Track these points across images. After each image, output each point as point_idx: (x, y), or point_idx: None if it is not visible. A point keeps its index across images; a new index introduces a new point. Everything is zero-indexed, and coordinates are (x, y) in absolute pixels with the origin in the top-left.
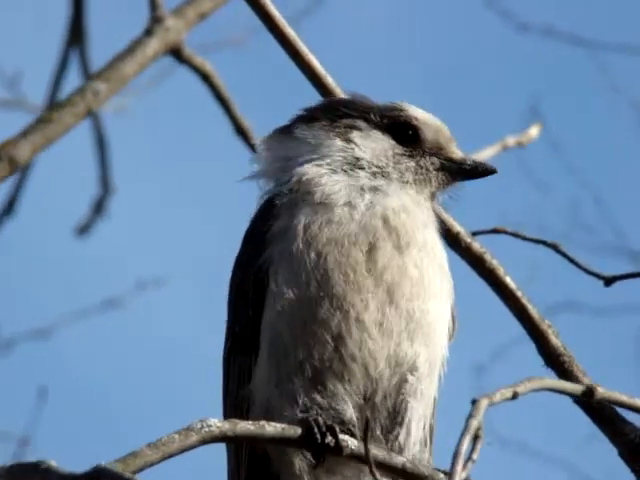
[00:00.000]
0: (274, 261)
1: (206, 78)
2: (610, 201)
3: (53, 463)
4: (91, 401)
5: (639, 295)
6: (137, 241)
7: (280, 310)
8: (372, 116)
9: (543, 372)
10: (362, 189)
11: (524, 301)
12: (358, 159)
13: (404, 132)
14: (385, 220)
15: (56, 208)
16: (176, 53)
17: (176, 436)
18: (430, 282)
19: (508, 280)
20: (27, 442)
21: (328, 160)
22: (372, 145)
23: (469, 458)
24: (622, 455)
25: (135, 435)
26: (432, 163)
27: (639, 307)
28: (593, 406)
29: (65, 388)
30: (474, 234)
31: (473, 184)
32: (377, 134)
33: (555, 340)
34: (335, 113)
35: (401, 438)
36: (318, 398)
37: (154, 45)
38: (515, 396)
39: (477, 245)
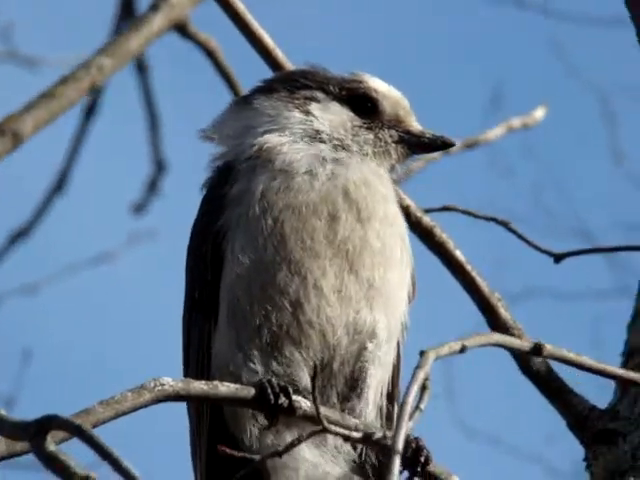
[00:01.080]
0: (232, 225)
1: (211, 54)
2: (570, 186)
3: (2, 412)
4: (74, 361)
5: (595, 279)
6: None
7: (238, 275)
8: (331, 87)
9: None
10: (324, 159)
11: (474, 274)
12: (318, 131)
13: (363, 104)
14: (346, 192)
15: None
16: (181, 29)
17: (129, 394)
18: (391, 252)
19: (458, 254)
20: (12, 402)
21: (287, 132)
22: (330, 117)
23: (416, 407)
24: (571, 426)
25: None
26: (391, 136)
27: (596, 291)
28: (542, 378)
29: (48, 347)
30: (426, 211)
31: (436, 168)
32: (336, 106)
33: (505, 313)
34: (293, 84)
35: (357, 406)
36: (274, 365)
37: (159, 21)
38: (463, 349)
39: (427, 219)
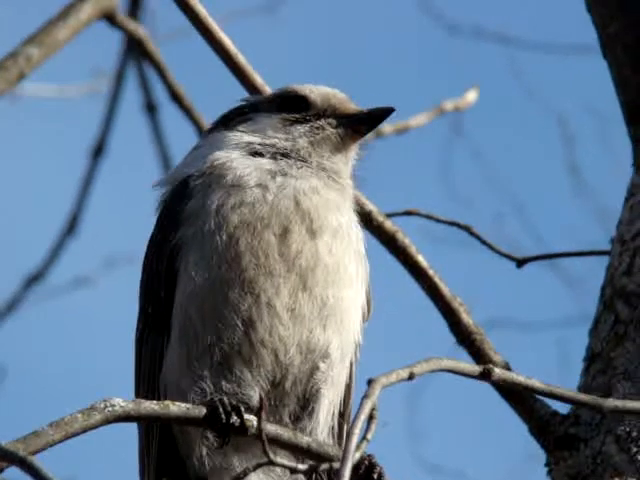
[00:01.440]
0: (186, 243)
1: (139, 44)
2: (531, 210)
3: None
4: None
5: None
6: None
7: (191, 292)
8: (262, 105)
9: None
10: (271, 171)
11: (436, 279)
12: (249, 143)
13: (293, 104)
14: (297, 203)
15: None
16: (109, 18)
17: (79, 415)
18: (345, 270)
19: (420, 258)
20: None
21: (230, 150)
22: (259, 127)
23: (363, 438)
24: (532, 432)
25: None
26: (329, 123)
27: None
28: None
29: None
30: (388, 216)
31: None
32: (265, 116)
33: (466, 318)
34: (229, 117)
35: (309, 426)
36: (224, 384)
37: (87, 10)
38: (412, 377)
39: (389, 224)
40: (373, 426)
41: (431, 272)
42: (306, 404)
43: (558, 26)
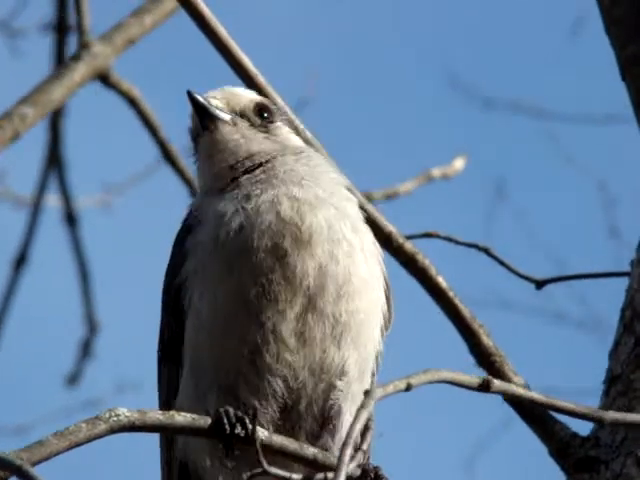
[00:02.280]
0: (190, 277)
1: (133, 103)
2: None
3: None
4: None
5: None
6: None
7: (196, 326)
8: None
9: (475, 371)
10: (242, 197)
11: (456, 301)
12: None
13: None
14: (278, 214)
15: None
16: (103, 78)
17: (83, 425)
18: (356, 274)
19: (440, 280)
20: None
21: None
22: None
23: (359, 448)
24: (552, 454)
25: None
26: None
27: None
28: (524, 405)
29: None
30: (408, 238)
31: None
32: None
33: (486, 340)
34: None
35: (329, 443)
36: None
37: (81, 70)
38: (409, 388)
39: (409, 245)
40: (369, 437)
41: (451, 294)
42: (325, 422)
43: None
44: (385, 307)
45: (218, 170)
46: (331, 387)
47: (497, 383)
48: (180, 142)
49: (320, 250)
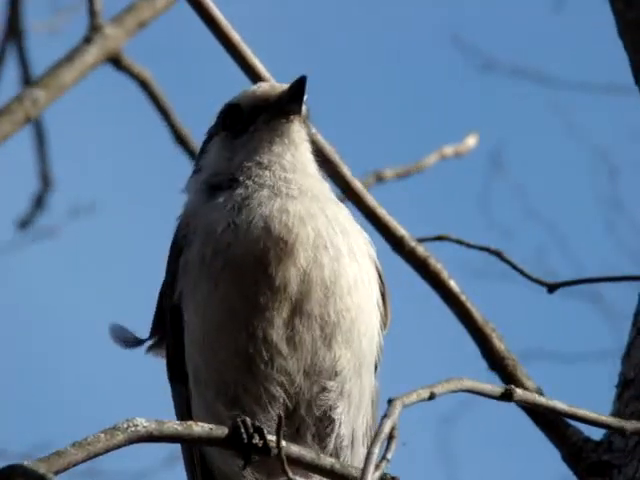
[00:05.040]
0: (182, 294)
1: (145, 86)
2: (573, 245)
3: None
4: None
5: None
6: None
7: (192, 341)
8: (213, 130)
9: (489, 376)
10: (233, 208)
11: (468, 305)
12: (204, 182)
13: (231, 118)
14: (268, 231)
15: None
16: (115, 61)
17: (102, 435)
18: (345, 273)
19: (452, 283)
20: None
21: (195, 195)
22: (210, 157)
23: (383, 457)
24: (565, 458)
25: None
26: (263, 121)
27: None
28: (535, 411)
29: None
30: (419, 241)
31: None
32: (214, 142)
33: (499, 344)
34: (198, 156)
35: (331, 443)
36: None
37: (93, 53)
38: (432, 397)
39: (421, 249)
40: (393, 446)
41: (463, 298)
42: (326, 423)
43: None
44: (380, 302)
45: (254, 160)
46: (323, 389)
47: (519, 392)
48: (191, 124)
49: (302, 258)
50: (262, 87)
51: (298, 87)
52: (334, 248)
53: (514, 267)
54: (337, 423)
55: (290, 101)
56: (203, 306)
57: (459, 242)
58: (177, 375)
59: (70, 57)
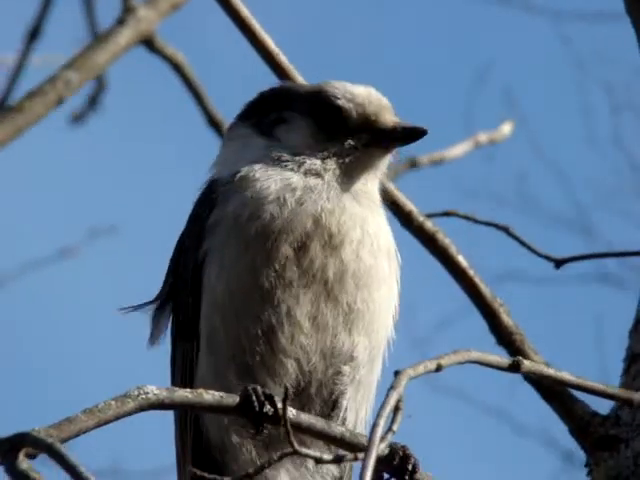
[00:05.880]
0: (208, 254)
1: (178, 68)
2: (575, 182)
3: None
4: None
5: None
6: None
7: (213, 303)
8: (298, 104)
9: (497, 350)
10: (293, 187)
11: (476, 280)
12: (280, 157)
13: (327, 115)
14: (316, 220)
15: None
16: (148, 43)
17: (112, 402)
18: (377, 271)
19: (460, 259)
20: None
21: (256, 159)
22: (294, 137)
23: (389, 429)
24: (572, 433)
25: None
26: (359, 139)
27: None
28: (543, 384)
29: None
30: (427, 216)
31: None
32: (301, 124)
33: (507, 319)
34: (264, 108)
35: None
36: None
37: (126, 35)
38: (439, 368)
39: (429, 224)
40: (399, 417)
41: (471, 272)
42: (333, 406)
43: None
44: (397, 300)
45: (335, 168)
46: (338, 372)
47: (527, 363)
48: (224, 106)
49: (344, 251)
50: (375, 102)
51: (416, 135)
52: (375, 248)
53: (521, 242)
54: (343, 408)
55: (402, 140)
56: (229, 267)
57: (466, 217)
58: (185, 334)
59: (103, 38)
